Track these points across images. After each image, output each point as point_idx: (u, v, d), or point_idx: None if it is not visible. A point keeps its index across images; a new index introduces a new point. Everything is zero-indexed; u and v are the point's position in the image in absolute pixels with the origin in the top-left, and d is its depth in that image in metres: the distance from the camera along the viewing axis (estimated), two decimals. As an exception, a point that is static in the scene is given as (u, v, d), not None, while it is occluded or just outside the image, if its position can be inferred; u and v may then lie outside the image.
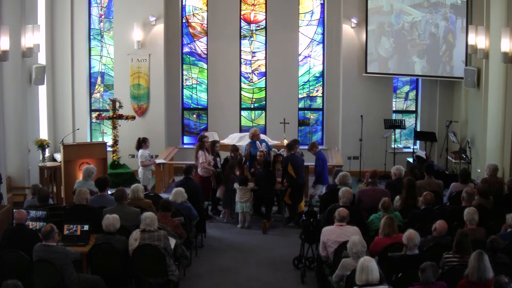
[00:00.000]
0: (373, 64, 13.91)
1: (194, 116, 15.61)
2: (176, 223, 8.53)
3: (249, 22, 15.43)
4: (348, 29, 14.78)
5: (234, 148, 11.82)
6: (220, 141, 12.98)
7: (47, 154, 13.03)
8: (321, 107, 15.51)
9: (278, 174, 11.49)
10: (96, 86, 15.20)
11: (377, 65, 14.06)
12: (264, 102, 15.52)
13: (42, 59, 13.63)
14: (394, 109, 15.32)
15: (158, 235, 7.58)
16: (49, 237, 7.03)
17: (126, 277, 7.69)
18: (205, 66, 15.42)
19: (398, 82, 15.38)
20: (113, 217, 7.66)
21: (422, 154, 13.91)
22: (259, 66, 15.51)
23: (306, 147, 12.41)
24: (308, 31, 15.37)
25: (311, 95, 15.52)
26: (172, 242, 7.93)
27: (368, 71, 14.65)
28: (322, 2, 15.21)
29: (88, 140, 14.79)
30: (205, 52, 15.37)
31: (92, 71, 15.13)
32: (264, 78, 15.47)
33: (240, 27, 15.35)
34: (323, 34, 15.30)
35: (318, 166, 11.62)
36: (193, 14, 15.39)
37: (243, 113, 15.60)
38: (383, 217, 7.76)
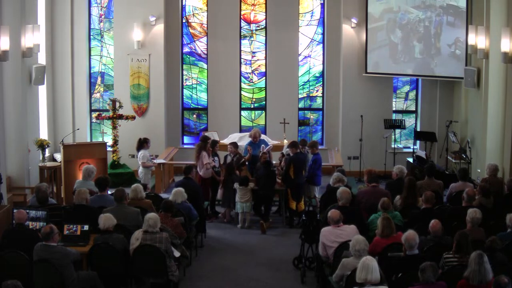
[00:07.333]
0: (384, 49, 14.73)
1: (194, 116, 15.61)
2: (176, 223, 8.53)
3: (249, 22, 15.43)
4: (348, 29, 14.79)
5: (234, 145, 11.91)
6: (220, 141, 12.99)
7: (47, 154, 13.03)
8: (321, 107, 15.51)
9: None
10: (96, 86, 15.20)
11: (387, 49, 14.72)
12: (264, 102, 15.52)
13: (42, 59, 13.63)
14: (394, 109, 15.32)
15: (160, 237, 7.58)
16: (48, 238, 7.04)
17: (126, 277, 7.70)
18: (205, 66, 15.43)
19: (398, 82, 15.39)
20: (106, 216, 7.69)
21: (422, 154, 13.91)
22: (259, 66, 15.51)
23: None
24: (308, 31, 15.37)
25: (311, 95, 15.52)
26: (177, 254, 7.98)
27: (371, 69, 14.75)
28: (322, 2, 15.21)
29: (88, 140, 14.79)
30: (205, 52, 15.37)
31: (92, 71, 15.13)
32: (264, 78, 15.48)
33: (240, 27, 15.35)
34: (323, 34, 15.30)
35: (311, 168, 11.64)
36: (193, 14, 15.39)
37: (243, 113, 15.60)
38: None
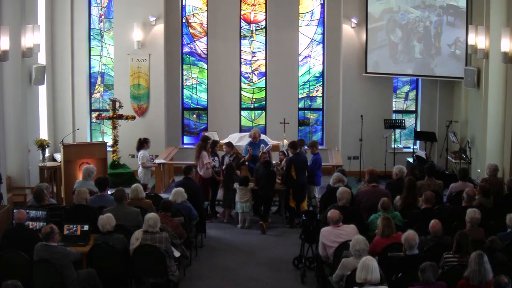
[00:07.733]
0: (384, 49, 14.74)
1: (194, 116, 15.61)
2: (176, 223, 8.53)
3: (249, 22, 15.43)
4: (348, 29, 14.79)
5: (229, 145, 11.93)
6: (220, 141, 12.99)
7: (47, 154, 13.03)
8: (321, 107, 15.51)
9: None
10: (96, 86, 15.20)
11: (387, 49, 14.73)
12: (264, 102, 15.52)
13: (42, 59, 13.63)
14: (394, 109, 15.32)
15: (160, 237, 7.59)
16: (49, 238, 7.04)
17: (126, 277, 7.70)
18: (205, 66, 15.42)
19: (398, 82, 15.39)
20: (106, 216, 7.68)
21: (422, 154, 13.91)
22: (259, 66, 15.51)
23: (305, 147, 12.44)
24: (308, 31, 15.37)
25: (311, 95, 15.52)
26: (177, 254, 7.98)
27: (371, 69, 14.75)
28: (322, 2, 15.21)
29: (88, 140, 14.79)
30: (205, 52, 15.37)
31: (92, 71, 15.13)
32: (264, 78, 15.47)
33: (240, 27, 15.35)
34: (323, 34, 15.30)
35: (311, 168, 11.65)
36: (193, 14, 15.39)
37: (243, 113, 15.60)
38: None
